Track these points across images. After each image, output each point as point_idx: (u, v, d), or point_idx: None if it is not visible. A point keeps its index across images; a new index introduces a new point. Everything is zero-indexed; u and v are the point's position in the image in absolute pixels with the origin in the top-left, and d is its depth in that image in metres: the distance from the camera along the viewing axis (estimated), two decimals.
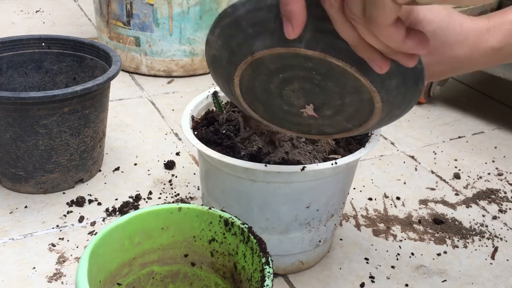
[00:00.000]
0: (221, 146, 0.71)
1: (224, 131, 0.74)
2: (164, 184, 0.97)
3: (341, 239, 0.87)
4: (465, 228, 0.92)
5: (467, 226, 0.93)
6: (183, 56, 1.36)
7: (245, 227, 0.55)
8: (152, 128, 1.14)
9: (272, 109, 0.57)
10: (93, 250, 0.51)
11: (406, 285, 0.79)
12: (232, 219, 0.56)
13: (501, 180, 1.07)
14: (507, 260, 0.86)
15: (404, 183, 1.04)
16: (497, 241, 0.90)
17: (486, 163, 1.13)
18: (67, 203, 0.89)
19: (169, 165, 1.01)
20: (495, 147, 1.19)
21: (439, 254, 0.86)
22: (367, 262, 0.83)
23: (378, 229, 0.90)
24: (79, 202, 0.89)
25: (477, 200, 1.00)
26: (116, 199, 0.91)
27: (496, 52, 0.52)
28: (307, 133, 0.61)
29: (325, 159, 0.71)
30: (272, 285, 0.49)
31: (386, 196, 0.99)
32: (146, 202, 0.92)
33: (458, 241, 0.89)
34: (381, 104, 0.51)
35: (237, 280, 0.57)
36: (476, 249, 0.88)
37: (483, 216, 0.96)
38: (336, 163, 0.68)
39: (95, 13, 1.41)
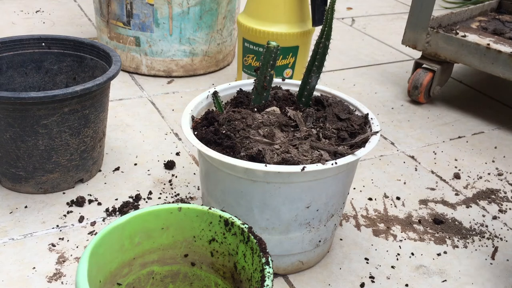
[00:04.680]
0: (221, 146, 0.71)
1: (224, 131, 0.74)
2: (164, 184, 0.97)
3: (341, 239, 0.87)
4: (465, 228, 0.92)
5: (467, 226, 0.93)
6: (183, 56, 1.36)
7: (245, 227, 0.55)
8: (152, 128, 1.14)
9: None
10: (93, 250, 0.51)
11: (406, 285, 0.79)
12: (232, 219, 0.56)
13: (501, 180, 1.08)
14: (507, 260, 0.86)
15: (404, 183, 1.04)
16: (497, 241, 0.90)
17: (486, 163, 1.13)
18: (67, 203, 0.89)
19: (169, 165, 1.01)
20: (495, 147, 1.19)
21: (439, 254, 0.86)
22: (367, 262, 0.83)
23: (378, 229, 0.90)
24: (79, 202, 0.89)
25: (477, 200, 1.00)
26: (116, 199, 0.92)
27: None
28: None
29: (336, 153, 0.71)
30: (272, 285, 0.49)
31: (386, 196, 0.99)
32: (146, 202, 0.92)
33: (458, 241, 0.89)
34: None
35: (237, 280, 0.57)
36: (476, 249, 0.88)
37: (483, 216, 0.96)
38: (336, 163, 0.68)
39: (95, 13, 1.41)
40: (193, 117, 0.78)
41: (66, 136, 0.86)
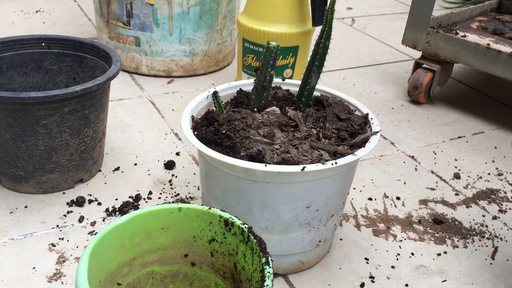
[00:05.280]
0: (221, 146, 0.71)
1: (224, 131, 0.74)
2: (164, 184, 0.97)
3: (341, 239, 0.87)
4: (465, 228, 0.92)
5: (467, 226, 0.93)
6: (183, 56, 1.36)
7: (245, 227, 0.55)
8: (152, 128, 1.14)
9: None
10: (93, 250, 0.51)
11: (406, 285, 0.79)
12: (232, 219, 0.56)
13: (501, 180, 1.08)
14: (507, 260, 0.86)
15: (404, 183, 1.04)
16: (497, 241, 0.90)
17: (486, 163, 1.13)
18: (67, 203, 0.89)
19: (169, 165, 1.01)
20: (495, 147, 1.19)
21: (439, 254, 0.86)
22: (367, 262, 0.83)
23: (378, 229, 0.90)
24: (79, 202, 0.89)
25: (477, 200, 1.00)
26: (116, 199, 0.92)
27: None
28: None
29: (336, 154, 0.71)
30: (272, 285, 0.49)
31: (386, 196, 0.99)
32: (146, 202, 0.92)
33: (458, 241, 0.89)
34: None
35: (237, 280, 0.57)
36: (476, 249, 0.88)
37: (483, 216, 0.96)
38: (336, 163, 0.68)
39: (95, 13, 1.41)
40: (193, 117, 0.78)
41: (66, 136, 0.86)
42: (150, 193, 0.94)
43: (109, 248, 0.54)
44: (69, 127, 0.86)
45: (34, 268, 0.76)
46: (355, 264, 0.82)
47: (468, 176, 1.08)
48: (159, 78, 1.38)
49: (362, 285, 0.78)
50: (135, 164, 1.01)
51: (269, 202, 0.70)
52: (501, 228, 0.93)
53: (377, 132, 0.75)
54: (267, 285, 0.49)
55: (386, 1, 2.29)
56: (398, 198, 0.99)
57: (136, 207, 0.90)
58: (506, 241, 0.90)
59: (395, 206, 0.97)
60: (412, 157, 1.13)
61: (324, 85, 1.40)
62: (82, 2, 1.86)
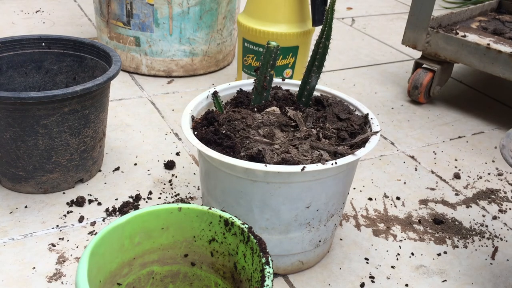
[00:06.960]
0: (221, 146, 0.71)
1: (224, 131, 0.74)
2: (164, 184, 0.97)
3: (341, 239, 0.87)
4: (465, 228, 0.92)
5: (467, 226, 0.93)
6: (183, 56, 1.36)
7: (245, 227, 0.55)
8: (152, 128, 1.14)
9: None
10: (93, 250, 0.51)
11: (406, 285, 0.79)
12: (232, 219, 0.56)
13: (501, 180, 1.08)
14: (507, 260, 0.86)
15: (404, 183, 1.04)
16: (497, 241, 0.90)
17: (486, 163, 1.13)
18: (67, 203, 0.89)
19: (169, 165, 1.01)
20: (495, 147, 1.19)
21: (439, 254, 0.86)
22: (367, 262, 0.83)
23: (378, 229, 0.90)
24: (79, 202, 0.89)
25: (477, 200, 1.00)
26: (116, 199, 0.92)
27: None
28: None
29: (336, 153, 0.71)
30: (272, 285, 0.49)
31: (386, 196, 0.99)
32: (146, 202, 0.92)
33: (458, 241, 0.89)
34: None
35: (237, 280, 0.57)
36: (476, 249, 0.88)
37: (483, 216, 0.96)
38: (336, 163, 0.68)
39: (95, 13, 1.41)
40: (193, 117, 0.78)
41: (66, 136, 0.86)
42: (150, 193, 0.94)
43: (109, 248, 0.54)
44: (69, 127, 0.86)
45: (34, 268, 0.76)
46: (355, 264, 0.82)
47: (468, 176, 1.08)
48: (159, 78, 1.38)
49: (362, 285, 0.78)
50: (135, 164, 1.01)
51: (269, 202, 0.70)
52: (501, 228, 0.93)
53: (377, 132, 0.75)
54: (267, 285, 0.49)
55: (386, 1, 2.29)
56: (398, 198, 0.99)
57: (136, 207, 0.90)
58: (506, 241, 0.90)
59: (395, 206, 0.97)
60: (412, 157, 1.13)
61: (324, 85, 1.40)
62: (82, 2, 1.86)
